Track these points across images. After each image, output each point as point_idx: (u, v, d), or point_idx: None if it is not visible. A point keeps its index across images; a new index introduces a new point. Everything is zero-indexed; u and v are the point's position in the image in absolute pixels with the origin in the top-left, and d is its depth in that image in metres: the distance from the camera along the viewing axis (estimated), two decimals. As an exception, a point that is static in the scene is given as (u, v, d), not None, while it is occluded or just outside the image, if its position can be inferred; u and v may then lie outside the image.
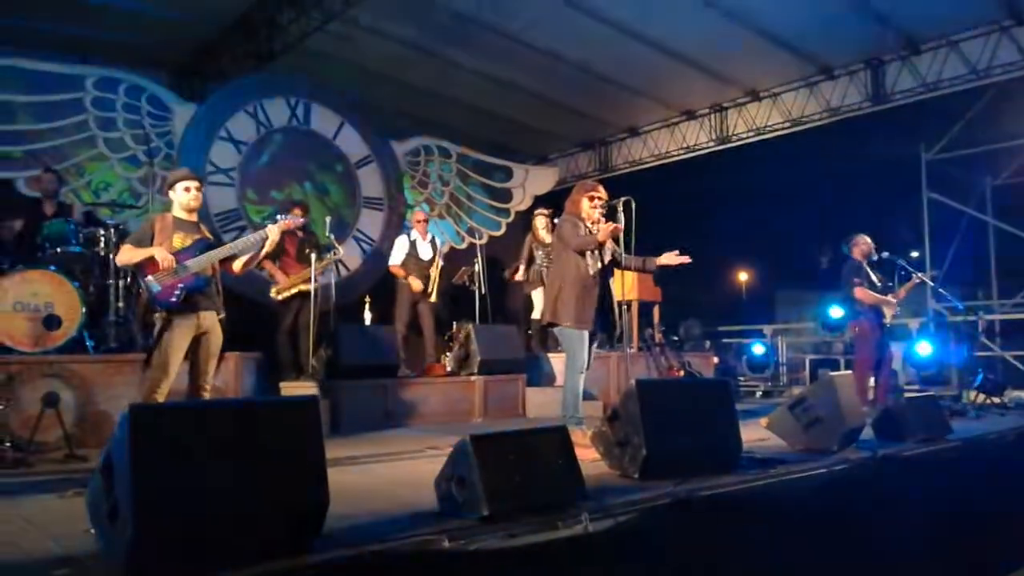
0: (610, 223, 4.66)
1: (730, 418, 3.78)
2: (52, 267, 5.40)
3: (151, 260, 4.07)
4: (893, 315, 6.99)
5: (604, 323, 4.90)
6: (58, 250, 5.74)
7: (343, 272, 8.86)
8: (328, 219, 7.33)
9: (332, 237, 7.00)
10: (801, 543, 3.50)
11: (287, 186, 8.94)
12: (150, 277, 4.08)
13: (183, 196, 4.29)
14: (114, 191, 7.80)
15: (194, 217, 4.38)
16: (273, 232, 4.44)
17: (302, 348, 6.73)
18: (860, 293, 6.71)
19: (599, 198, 4.82)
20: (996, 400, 7.57)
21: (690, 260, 4.75)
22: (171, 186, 4.37)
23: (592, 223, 4.82)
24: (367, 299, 8.52)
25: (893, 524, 4.04)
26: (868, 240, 6.95)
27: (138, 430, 2.09)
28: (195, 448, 2.17)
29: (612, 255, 4.85)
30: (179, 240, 4.22)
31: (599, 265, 4.77)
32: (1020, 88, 9.36)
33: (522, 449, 2.88)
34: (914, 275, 7.03)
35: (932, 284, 8.88)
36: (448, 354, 7.88)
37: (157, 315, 4.12)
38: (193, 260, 4.18)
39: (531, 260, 8.22)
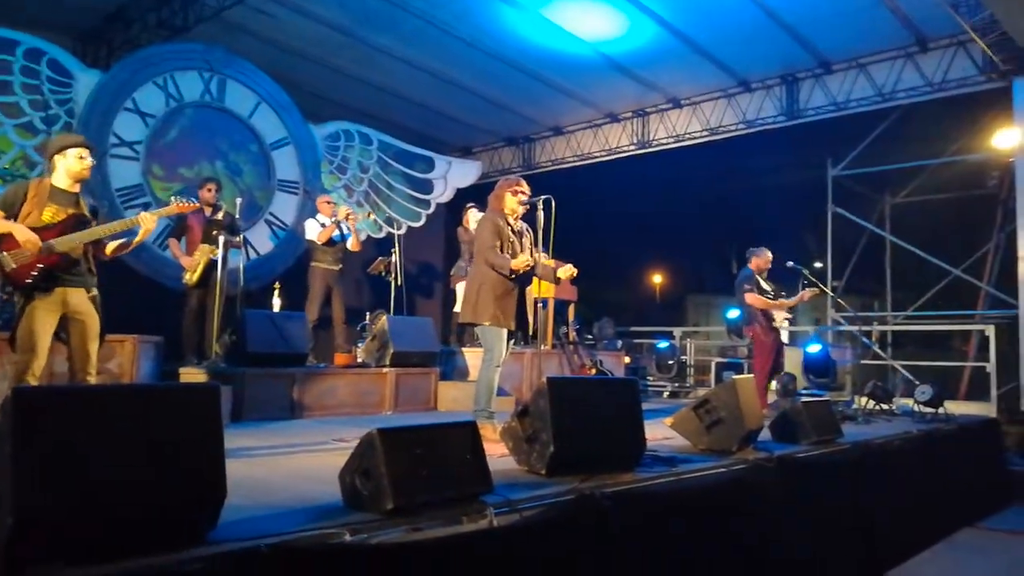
0: (524, 258, 4.72)
1: (636, 417, 3.84)
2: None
3: (11, 235, 3.66)
4: (784, 320, 7.36)
5: (520, 322, 4.94)
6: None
7: (252, 255, 8.60)
8: (239, 200, 7.09)
9: (239, 219, 6.78)
10: (701, 539, 3.61)
11: (196, 164, 8.60)
12: (5, 254, 3.66)
13: (75, 164, 3.86)
14: (7, 159, 7.34)
15: (76, 188, 3.93)
16: (147, 220, 4.01)
17: (207, 332, 6.49)
18: (751, 298, 7.10)
19: (523, 193, 4.91)
20: (884, 406, 7.97)
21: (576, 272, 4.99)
22: (60, 150, 3.89)
23: (515, 218, 4.95)
24: (277, 285, 8.27)
25: (788, 521, 4.21)
26: (769, 255, 7.35)
27: (22, 414, 1.95)
28: (84, 434, 2.05)
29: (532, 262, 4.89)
30: (50, 213, 3.78)
31: None
32: (921, 112, 9.91)
33: (430, 443, 2.84)
34: (808, 285, 7.38)
35: (831, 294, 9.32)
36: (360, 344, 7.74)
37: (15, 294, 3.73)
38: (59, 239, 3.75)
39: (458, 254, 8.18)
